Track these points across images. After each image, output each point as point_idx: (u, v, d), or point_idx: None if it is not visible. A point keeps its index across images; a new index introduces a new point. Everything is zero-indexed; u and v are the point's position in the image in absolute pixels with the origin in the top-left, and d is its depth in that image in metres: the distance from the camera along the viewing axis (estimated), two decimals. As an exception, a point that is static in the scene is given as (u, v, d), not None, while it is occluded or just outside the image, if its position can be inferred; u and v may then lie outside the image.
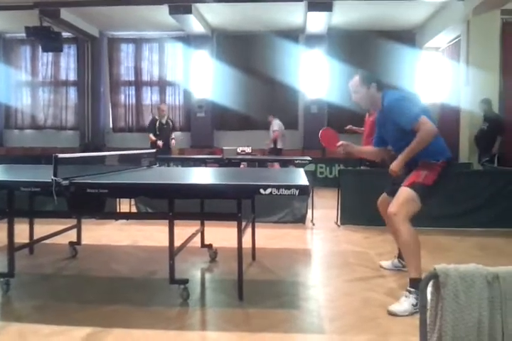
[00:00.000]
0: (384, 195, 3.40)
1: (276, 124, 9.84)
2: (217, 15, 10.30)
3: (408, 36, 11.07)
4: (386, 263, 3.64)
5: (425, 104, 3.00)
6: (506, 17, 8.26)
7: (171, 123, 8.54)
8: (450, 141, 9.26)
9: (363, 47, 10.90)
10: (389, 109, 3.03)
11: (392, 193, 3.13)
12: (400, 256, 3.51)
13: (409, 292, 2.77)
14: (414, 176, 2.95)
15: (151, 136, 8.21)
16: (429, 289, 1.56)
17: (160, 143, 7.99)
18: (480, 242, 4.55)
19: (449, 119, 9.75)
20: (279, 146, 9.75)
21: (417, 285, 2.73)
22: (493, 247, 4.38)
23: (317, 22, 10.01)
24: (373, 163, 5.17)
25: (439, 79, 10.58)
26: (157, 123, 8.30)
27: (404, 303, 2.72)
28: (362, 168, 5.99)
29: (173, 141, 8.49)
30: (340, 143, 3.31)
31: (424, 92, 10.83)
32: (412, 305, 2.69)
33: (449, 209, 5.09)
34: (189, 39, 11.45)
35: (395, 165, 3.01)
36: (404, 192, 2.92)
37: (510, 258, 3.96)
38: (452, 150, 9.02)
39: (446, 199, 5.11)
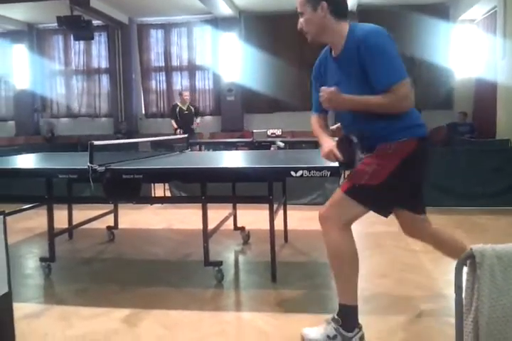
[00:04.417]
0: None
1: None
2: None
3: (441, 9, 10.67)
4: None
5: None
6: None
7: (192, 110, 8.58)
8: (487, 117, 9.00)
9: (394, 23, 10.54)
10: (367, 46, 1.94)
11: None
12: None
13: (332, 319, 2.09)
14: (354, 176, 2.06)
15: (173, 122, 8.36)
16: (465, 269, 1.54)
17: (179, 131, 8.09)
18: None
19: (485, 95, 9.44)
20: None
21: (344, 314, 2.07)
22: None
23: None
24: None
25: (474, 52, 10.21)
26: (177, 109, 8.40)
27: (319, 329, 2.11)
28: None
29: (195, 124, 8.56)
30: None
31: (459, 67, 10.49)
32: (328, 336, 2.05)
33: (485, 188, 4.97)
34: (217, 22, 11.39)
35: (333, 93, 1.99)
36: (338, 195, 2.11)
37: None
38: (489, 126, 8.78)
39: (482, 178, 4.99)
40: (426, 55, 10.05)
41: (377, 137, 2.02)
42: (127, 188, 3.08)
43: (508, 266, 1.52)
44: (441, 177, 4.86)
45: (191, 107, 8.61)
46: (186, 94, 8.62)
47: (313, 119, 2.30)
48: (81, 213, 4.09)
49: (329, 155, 2.06)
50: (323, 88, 2.03)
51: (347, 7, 2.12)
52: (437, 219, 2.93)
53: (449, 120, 10.02)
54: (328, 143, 2.09)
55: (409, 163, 2.01)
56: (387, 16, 10.62)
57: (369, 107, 2.00)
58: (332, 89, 1.99)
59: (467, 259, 1.56)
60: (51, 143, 11.05)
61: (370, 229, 4.34)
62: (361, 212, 2.07)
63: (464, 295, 1.56)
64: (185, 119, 8.39)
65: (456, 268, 1.55)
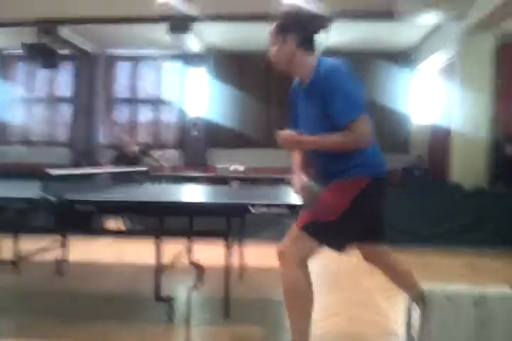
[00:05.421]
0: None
1: None
2: (214, 35, 10.43)
3: (403, 57, 11.17)
4: None
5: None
6: (502, 37, 8.29)
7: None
8: (440, 162, 9.35)
9: (358, 68, 10.91)
10: (327, 85, 2.02)
11: None
12: None
13: None
14: (308, 213, 2.09)
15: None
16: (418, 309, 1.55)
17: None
18: (470, 262, 4.54)
19: (439, 141, 9.85)
20: None
21: None
22: (482, 267, 4.38)
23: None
24: None
25: (431, 99, 10.70)
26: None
27: None
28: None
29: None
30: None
31: (416, 112, 10.96)
32: None
33: (439, 229, 5.11)
34: (186, 58, 11.53)
35: (289, 136, 2.06)
36: (294, 231, 2.14)
37: (499, 278, 3.95)
38: (442, 171, 9.06)
39: (435, 219, 5.14)
40: (386, 101, 10.42)
41: (332, 173, 2.08)
42: (79, 220, 2.99)
43: (458, 307, 1.54)
44: (396, 217, 4.96)
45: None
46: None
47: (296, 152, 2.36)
48: (29, 244, 3.91)
49: (297, 194, 2.19)
50: (280, 132, 2.08)
51: (314, 41, 2.19)
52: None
53: (405, 164, 10.34)
54: (298, 183, 2.19)
55: (362, 199, 2.04)
56: (351, 61, 11.01)
57: (329, 146, 2.04)
58: (288, 132, 2.07)
59: (418, 298, 1.58)
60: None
61: (326, 266, 4.34)
62: (316, 247, 2.08)
63: (416, 335, 1.57)
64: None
65: (406, 307, 1.56)
